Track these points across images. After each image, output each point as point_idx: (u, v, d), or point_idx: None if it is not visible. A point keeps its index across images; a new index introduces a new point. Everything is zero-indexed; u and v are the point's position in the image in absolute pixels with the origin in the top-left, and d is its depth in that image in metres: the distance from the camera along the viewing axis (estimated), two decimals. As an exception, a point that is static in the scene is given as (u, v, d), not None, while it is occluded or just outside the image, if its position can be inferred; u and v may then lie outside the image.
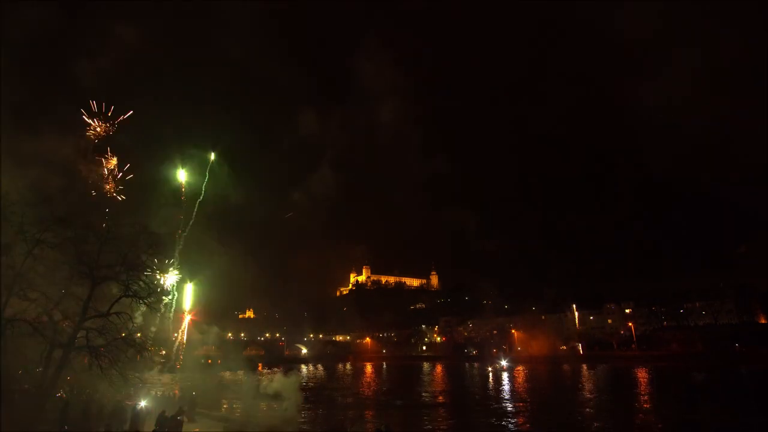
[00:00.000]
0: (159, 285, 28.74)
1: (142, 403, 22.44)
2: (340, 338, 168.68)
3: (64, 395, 23.77)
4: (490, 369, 74.55)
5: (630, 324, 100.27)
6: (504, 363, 76.69)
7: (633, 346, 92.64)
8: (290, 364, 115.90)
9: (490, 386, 55.98)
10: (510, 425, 31.86)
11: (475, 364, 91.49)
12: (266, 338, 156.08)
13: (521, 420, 33.76)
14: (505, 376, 67.23)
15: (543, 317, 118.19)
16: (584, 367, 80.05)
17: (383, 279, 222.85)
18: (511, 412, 37.17)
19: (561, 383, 59.51)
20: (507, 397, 46.38)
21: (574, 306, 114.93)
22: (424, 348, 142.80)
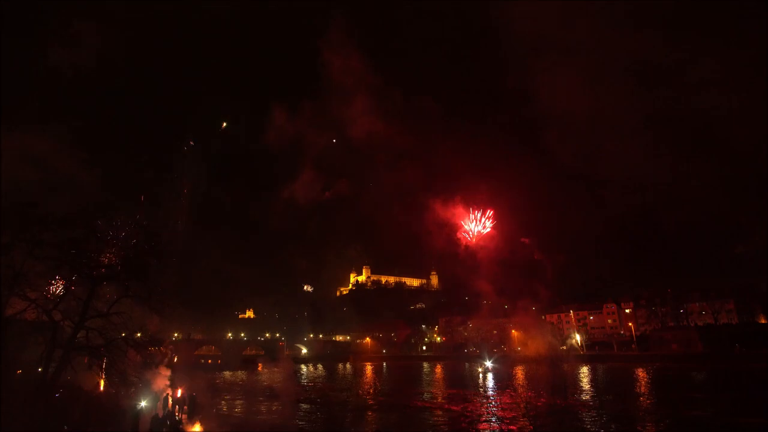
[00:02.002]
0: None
1: (142, 404, 22.43)
2: (340, 338, 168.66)
3: (64, 395, 23.76)
4: (480, 370, 73.63)
5: (630, 324, 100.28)
6: (489, 364, 75.43)
7: (633, 346, 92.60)
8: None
9: (481, 386, 55.92)
10: (510, 425, 31.86)
11: (469, 365, 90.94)
12: (266, 338, 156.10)
13: (521, 420, 33.76)
14: (490, 376, 66.34)
15: (543, 317, 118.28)
16: (584, 366, 80.00)
17: (383, 279, 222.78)
18: (509, 412, 37.16)
19: (560, 383, 59.42)
20: (506, 397, 46.34)
21: (574, 306, 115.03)
22: (424, 348, 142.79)
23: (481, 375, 68.47)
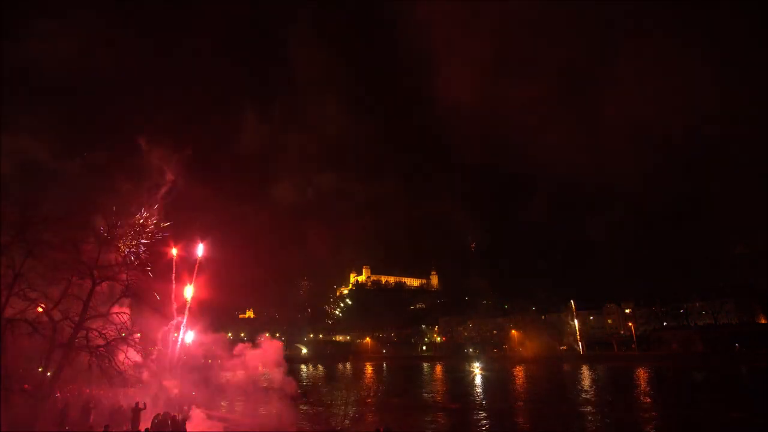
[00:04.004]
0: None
1: (142, 403, 22.39)
2: (340, 338, 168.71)
3: (64, 395, 23.75)
4: (476, 371, 71.60)
5: (630, 324, 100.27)
6: (478, 364, 73.10)
7: (633, 346, 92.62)
8: (290, 363, 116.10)
9: (479, 387, 55.72)
10: (510, 425, 31.88)
11: (468, 365, 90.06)
12: (266, 338, 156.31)
13: (521, 420, 33.78)
14: (479, 378, 64.55)
15: (543, 317, 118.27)
16: (584, 367, 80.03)
17: (383, 279, 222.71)
18: (510, 412, 37.19)
19: (560, 383, 59.46)
20: (507, 397, 46.38)
21: (574, 306, 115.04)
22: (424, 348, 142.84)
23: (473, 377, 67.15)
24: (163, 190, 28.14)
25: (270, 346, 32.35)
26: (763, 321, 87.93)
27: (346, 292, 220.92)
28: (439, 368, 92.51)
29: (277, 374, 32.90)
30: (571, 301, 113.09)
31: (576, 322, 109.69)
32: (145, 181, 28.61)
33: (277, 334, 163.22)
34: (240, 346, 32.99)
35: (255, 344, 33.03)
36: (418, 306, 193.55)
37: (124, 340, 22.33)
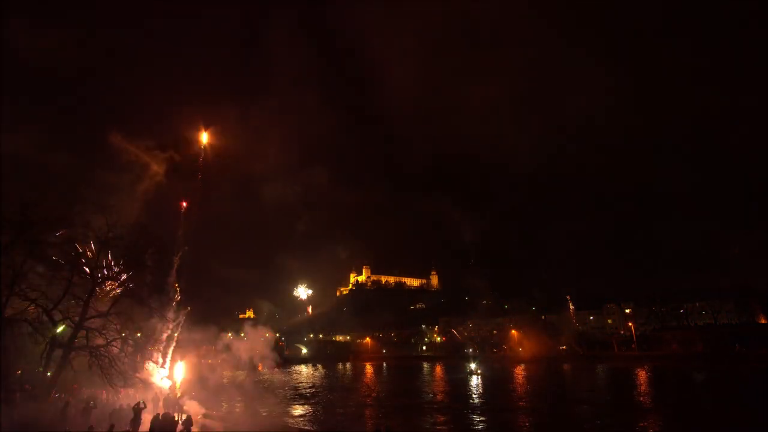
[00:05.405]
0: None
1: (142, 403, 22.40)
2: (340, 338, 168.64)
3: (64, 395, 23.75)
4: (477, 372, 68.53)
5: (630, 324, 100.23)
6: (473, 366, 70.26)
7: (633, 346, 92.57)
8: (290, 364, 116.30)
9: (479, 387, 55.58)
10: (510, 425, 31.88)
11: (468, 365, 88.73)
12: (266, 338, 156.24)
13: (521, 420, 33.77)
14: (475, 379, 63.00)
15: (543, 317, 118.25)
16: (584, 367, 79.98)
17: (383, 279, 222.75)
18: (510, 412, 37.19)
19: (560, 383, 59.46)
20: (506, 397, 46.36)
21: (573, 306, 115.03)
22: (424, 348, 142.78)
23: (473, 377, 66.41)
24: (150, 185, 28.04)
25: (258, 338, 31.84)
26: (763, 321, 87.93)
27: (346, 292, 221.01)
28: (439, 368, 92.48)
29: (274, 373, 32.71)
30: (571, 302, 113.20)
31: (575, 322, 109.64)
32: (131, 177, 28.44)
33: (277, 334, 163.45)
34: (226, 339, 32.62)
35: (243, 336, 32.81)
36: (418, 306, 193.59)
37: (124, 340, 22.38)
